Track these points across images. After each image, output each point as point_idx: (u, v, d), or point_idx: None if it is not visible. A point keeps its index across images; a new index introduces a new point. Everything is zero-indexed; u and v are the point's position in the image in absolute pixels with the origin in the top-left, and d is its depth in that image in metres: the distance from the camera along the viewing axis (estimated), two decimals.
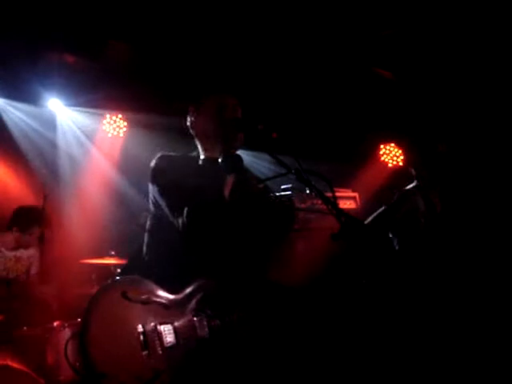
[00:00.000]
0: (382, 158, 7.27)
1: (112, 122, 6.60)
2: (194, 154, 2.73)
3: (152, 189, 2.57)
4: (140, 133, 6.45)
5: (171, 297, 2.33)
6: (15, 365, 3.88)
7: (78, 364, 3.95)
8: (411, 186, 4.08)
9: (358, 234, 2.10)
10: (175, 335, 2.23)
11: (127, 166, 6.35)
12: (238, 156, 2.46)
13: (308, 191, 4.41)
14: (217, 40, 5.19)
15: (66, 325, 4.21)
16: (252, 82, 5.50)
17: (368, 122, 6.56)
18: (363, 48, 5.34)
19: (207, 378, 2.23)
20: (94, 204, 6.27)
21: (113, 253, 4.89)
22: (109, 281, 2.43)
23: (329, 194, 2.26)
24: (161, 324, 2.21)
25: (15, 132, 6.22)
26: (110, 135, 6.60)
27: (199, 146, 2.73)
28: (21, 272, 5.01)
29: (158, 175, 2.54)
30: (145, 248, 2.62)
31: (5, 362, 3.90)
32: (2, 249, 4.94)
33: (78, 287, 4.89)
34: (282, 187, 4.21)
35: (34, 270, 5.11)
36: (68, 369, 4.01)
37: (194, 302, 2.33)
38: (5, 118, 6.22)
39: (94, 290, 4.66)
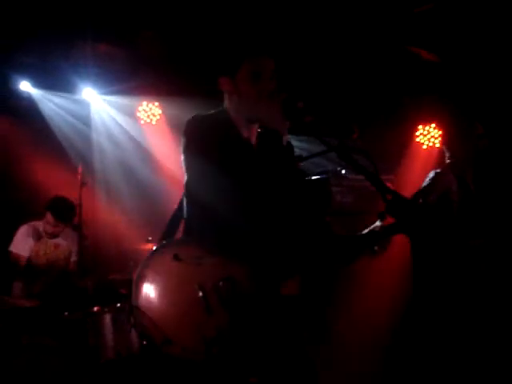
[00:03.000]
0: (418, 139, 7.14)
1: (148, 109, 6.63)
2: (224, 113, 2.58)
3: (184, 155, 2.45)
4: (173, 120, 6.47)
5: (225, 254, 2.25)
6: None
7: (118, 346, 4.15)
8: (444, 166, 4.02)
9: (404, 212, 2.04)
10: (234, 291, 2.15)
11: (161, 153, 6.40)
12: (276, 131, 2.34)
13: (344, 172, 4.38)
14: (247, 16, 5.14)
15: (106, 309, 4.28)
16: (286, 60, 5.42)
17: (407, 101, 6.46)
18: (398, 26, 5.24)
19: (269, 333, 2.20)
20: (130, 190, 6.38)
21: (150, 238, 4.93)
22: (160, 244, 2.37)
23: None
24: (218, 281, 2.14)
25: (51, 122, 6.31)
26: (142, 122, 6.65)
27: (233, 114, 2.55)
28: (60, 259, 5.13)
29: (192, 142, 2.41)
30: (185, 213, 2.52)
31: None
32: (44, 236, 5.06)
33: (117, 274, 4.95)
34: (317, 171, 4.19)
35: (73, 258, 5.23)
36: (108, 350, 4.11)
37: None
38: (41, 108, 6.31)
39: (133, 276, 4.77)
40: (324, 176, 4.36)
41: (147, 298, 2.09)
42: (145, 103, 6.63)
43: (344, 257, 2.52)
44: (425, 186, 3.90)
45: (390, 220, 2.29)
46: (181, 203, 2.59)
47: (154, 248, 2.26)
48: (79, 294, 4.88)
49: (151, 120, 6.64)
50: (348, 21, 5.21)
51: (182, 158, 2.44)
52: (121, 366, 4.11)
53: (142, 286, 2.11)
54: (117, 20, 5.39)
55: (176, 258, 2.15)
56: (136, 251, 4.99)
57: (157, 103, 6.64)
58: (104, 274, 5.05)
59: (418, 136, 7.16)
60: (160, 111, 6.64)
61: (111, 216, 6.33)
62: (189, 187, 2.44)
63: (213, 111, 2.53)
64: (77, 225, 5.10)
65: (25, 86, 6.16)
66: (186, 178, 2.45)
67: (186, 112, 6.02)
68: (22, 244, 4.97)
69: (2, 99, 6.09)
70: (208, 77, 5.65)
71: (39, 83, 6.20)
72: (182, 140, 2.43)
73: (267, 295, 2.23)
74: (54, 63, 5.85)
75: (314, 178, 4.15)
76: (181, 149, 2.44)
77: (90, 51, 5.86)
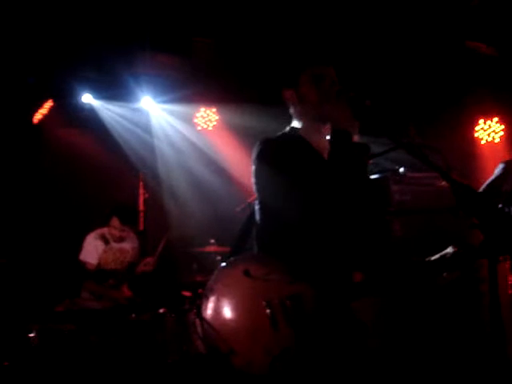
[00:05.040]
0: (477, 134, 6.99)
1: (205, 115, 6.77)
2: (291, 131, 2.64)
3: (257, 175, 2.47)
4: (230, 125, 6.58)
5: (294, 271, 2.26)
6: None
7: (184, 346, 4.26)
8: None
9: (478, 208, 2.00)
10: (301, 310, 2.16)
11: (220, 157, 6.52)
12: (346, 131, 2.32)
13: (402, 170, 4.34)
14: (305, 20, 5.15)
15: (172, 311, 4.39)
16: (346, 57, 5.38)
17: (467, 96, 6.33)
18: (456, 21, 5.14)
19: (334, 355, 2.20)
20: (192, 194, 6.50)
21: (212, 241, 5.03)
22: (230, 259, 2.43)
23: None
24: (285, 299, 2.16)
25: (114, 131, 6.52)
26: (199, 128, 6.79)
27: (302, 126, 2.60)
28: (126, 263, 5.25)
29: (264, 161, 2.43)
30: (258, 230, 2.56)
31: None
32: (111, 241, 5.20)
33: (181, 276, 5.07)
34: (375, 170, 4.16)
35: (138, 262, 5.31)
36: (175, 350, 4.22)
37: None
38: (103, 118, 6.53)
39: (197, 279, 4.90)
40: (383, 175, 4.34)
41: (216, 311, 2.14)
42: (202, 109, 6.77)
43: (414, 283, 2.49)
44: (497, 177, 3.83)
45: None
46: (248, 219, 2.65)
47: (225, 262, 2.33)
48: (145, 296, 5.05)
49: (208, 126, 6.77)
50: (406, 17, 5.15)
51: (254, 180, 2.48)
52: (188, 366, 4.21)
53: (211, 298, 2.17)
54: (173, 29, 5.52)
55: (246, 273, 2.19)
56: (199, 254, 5.11)
57: (214, 109, 6.76)
58: (168, 276, 5.18)
59: (477, 131, 7.02)
60: (217, 117, 6.76)
61: (174, 219, 6.51)
62: (263, 207, 2.49)
63: (280, 133, 2.58)
64: (140, 230, 5.26)
65: (86, 98, 6.42)
66: (259, 198, 2.50)
67: (242, 117, 6.20)
68: (91, 252, 5.11)
69: (69, 112, 6.35)
70: (263, 83, 5.76)
71: (100, 94, 6.44)
72: (254, 163, 2.46)
73: (334, 315, 2.23)
74: (114, 75, 6.05)
75: (372, 177, 4.13)
76: (253, 171, 2.48)
77: (148, 61, 6.03)
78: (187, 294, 5.07)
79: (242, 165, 6.21)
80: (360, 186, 2.40)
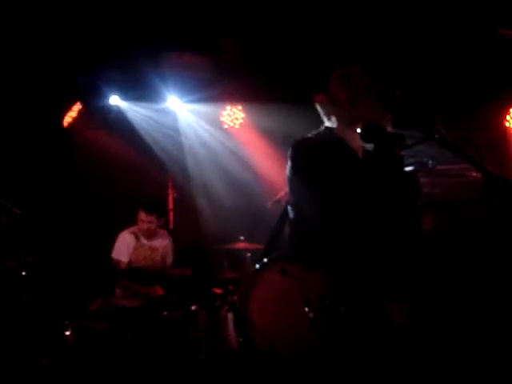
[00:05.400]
0: (508, 124, 6.87)
1: (231, 113, 6.80)
2: (327, 130, 2.62)
3: (293, 173, 2.47)
4: (256, 122, 6.60)
5: (330, 271, 2.27)
6: None
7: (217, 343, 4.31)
8: None
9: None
10: (338, 309, 2.17)
11: (248, 154, 6.55)
12: (377, 124, 2.31)
13: (431, 163, 4.29)
14: (333, 17, 5.12)
15: (203, 308, 4.44)
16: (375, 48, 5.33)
17: (500, 86, 6.22)
18: (487, 8, 5.05)
19: (368, 355, 2.20)
20: (222, 192, 6.53)
21: (242, 238, 5.04)
22: (267, 258, 2.46)
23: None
24: (324, 298, 2.17)
25: (141, 131, 6.60)
26: (226, 126, 6.82)
27: (336, 126, 2.58)
28: (157, 261, 5.32)
29: (300, 160, 2.44)
30: (292, 230, 2.56)
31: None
32: (142, 238, 5.27)
33: (211, 273, 5.10)
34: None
35: (169, 260, 5.43)
36: (207, 347, 4.27)
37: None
38: (130, 118, 6.61)
39: (227, 275, 4.93)
40: (412, 168, 4.30)
41: (255, 310, 2.20)
42: (228, 108, 6.80)
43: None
44: None
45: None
46: (281, 218, 2.65)
47: (262, 261, 2.37)
48: (176, 294, 5.11)
49: (235, 124, 6.81)
50: (436, 6, 5.08)
51: (290, 178, 2.48)
52: (221, 362, 4.25)
53: (250, 297, 2.23)
54: (199, 29, 5.55)
55: (284, 272, 2.22)
56: (229, 251, 5.13)
57: (240, 107, 6.80)
58: (199, 273, 5.23)
59: (508, 121, 6.89)
60: (243, 115, 6.80)
61: (204, 217, 6.56)
62: (298, 206, 2.48)
63: (315, 132, 2.57)
64: (170, 228, 5.33)
65: (114, 100, 6.52)
66: (293, 198, 2.50)
67: (268, 115, 6.22)
68: (122, 250, 5.20)
69: (97, 114, 6.45)
70: (288, 81, 5.75)
71: (126, 96, 6.53)
72: (289, 163, 2.46)
73: (371, 316, 2.23)
74: (140, 76, 6.11)
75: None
76: (287, 172, 2.48)
77: (175, 61, 6.08)
78: (218, 290, 5.11)
79: (269, 162, 6.23)
80: (395, 184, 2.38)
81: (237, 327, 4.40)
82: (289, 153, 2.49)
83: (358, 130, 2.32)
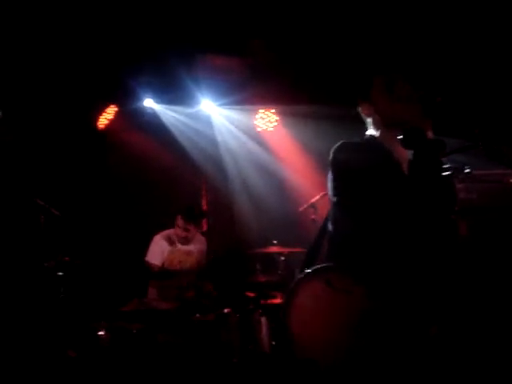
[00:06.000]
0: None
1: (265, 116, 6.79)
2: (369, 138, 2.61)
3: (333, 178, 2.48)
4: (291, 125, 6.60)
5: (373, 285, 2.26)
6: None
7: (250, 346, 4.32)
8: None
9: None
10: (382, 324, 2.16)
11: (281, 158, 6.55)
12: (418, 129, 2.31)
13: (468, 170, 4.22)
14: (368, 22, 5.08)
15: (236, 311, 4.46)
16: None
17: None
18: None
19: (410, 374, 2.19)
20: (256, 195, 6.55)
21: (275, 242, 5.05)
22: (312, 268, 2.49)
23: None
24: (367, 312, 2.17)
25: (175, 133, 6.63)
26: (259, 129, 6.83)
27: (379, 134, 2.57)
28: (192, 265, 5.33)
29: (339, 167, 2.44)
30: (333, 239, 2.55)
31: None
32: (177, 242, 5.29)
33: (244, 277, 5.12)
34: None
35: (203, 263, 5.43)
36: (240, 350, 4.29)
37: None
38: (164, 120, 6.67)
39: (260, 279, 4.94)
40: (447, 173, 4.23)
41: (296, 318, 2.20)
42: (261, 111, 6.80)
43: None
44: None
45: None
46: (322, 227, 2.66)
47: (306, 272, 2.36)
48: (209, 296, 5.13)
49: (268, 127, 6.80)
50: (482, 13, 4.99)
51: (330, 184, 2.48)
52: (253, 365, 4.26)
53: (292, 305, 2.23)
54: (232, 31, 5.57)
55: (328, 283, 2.22)
56: (262, 254, 5.14)
57: (273, 110, 6.78)
58: (232, 276, 5.25)
59: None
60: (277, 118, 6.78)
61: (238, 220, 6.59)
62: (337, 213, 2.49)
63: (361, 139, 2.58)
64: (203, 230, 5.36)
65: (148, 103, 6.58)
66: (334, 203, 2.50)
67: (303, 118, 6.21)
68: (156, 253, 5.23)
69: (132, 117, 6.54)
70: (323, 84, 5.70)
71: (160, 99, 6.58)
72: (331, 167, 2.47)
73: (412, 333, 2.21)
74: (174, 79, 6.15)
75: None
76: (329, 175, 2.48)
77: (208, 64, 6.11)
78: (251, 294, 5.13)
79: (302, 165, 6.23)
80: (433, 189, 2.36)
81: (270, 331, 4.42)
82: (331, 155, 2.49)
83: (399, 136, 2.30)
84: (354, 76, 2.65)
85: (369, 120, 2.59)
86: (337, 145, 2.49)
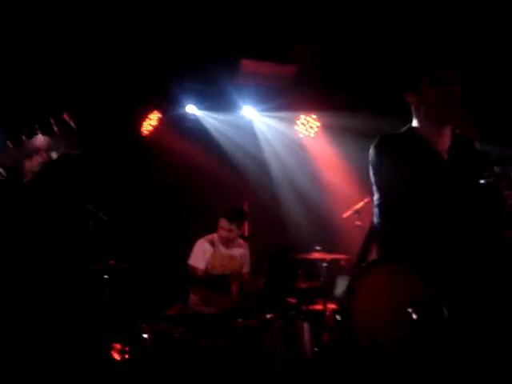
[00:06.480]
0: None
1: (306, 122, 6.80)
2: (409, 130, 2.63)
3: (375, 173, 2.53)
4: (332, 131, 6.59)
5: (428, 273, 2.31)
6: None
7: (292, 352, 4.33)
8: None
9: None
10: (440, 310, 2.23)
11: (324, 163, 6.54)
12: (468, 138, 2.35)
13: None
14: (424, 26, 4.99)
15: (279, 317, 4.47)
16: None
17: None
18: None
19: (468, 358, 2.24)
20: (298, 200, 6.55)
21: (318, 248, 5.03)
22: (371, 260, 2.59)
23: None
24: (426, 299, 2.23)
25: (218, 139, 6.71)
26: (301, 135, 6.84)
27: (421, 127, 2.59)
28: (234, 270, 5.34)
29: (382, 159, 2.49)
30: (381, 232, 2.58)
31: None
32: (220, 246, 5.32)
33: (286, 282, 5.13)
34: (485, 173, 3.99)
35: (245, 269, 5.45)
36: (282, 355, 4.30)
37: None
38: (206, 126, 6.74)
39: (301, 285, 4.94)
40: (493, 179, 4.16)
41: (359, 307, 2.29)
42: (302, 116, 6.81)
43: None
44: None
45: None
46: (371, 227, 2.71)
47: (364, 266, 2.46)
48: (252, 301, 5.16)
49: (310, 132, 6.81)
50: None
51: (373, 178, 2.54)
52: (295, 370, 4.27)
53: (355, 299, 2.31)
54: (273, 38, 5.59)
55: (390, 273, 2.29)
56: (304, 260, 5.13)
57: (314, 116, 6.79)
58: (273, 282, 5.25)
59: None
60: (318, 123, 6.78)
61: (280, 225, 6.60)
62: (382, 206, 2.53)
63: (400, 131, 2.60)
64: (246, 235, 5.39)
65: (190, 109, 6.68)
66: (377, 197, 2.54)
67: (345, 123, 6.18)
68: (199, 257, 5.25)
69: (174, 123, 6.63)
70: (365, 89, 5.63)
71: (202, 105, 6.66)
72: (372, 161, 2.52)
73: (471, 319, 2.26)
74: (216, 85, 6.23)
75: (481, 181, 3.98)
76: (371, 170, 2.53)
77: (250, 71, 6.15)
78: (292, 300, 5.13)
79: (345, 171, 6.20)
80: (476, 192, 2.37)
81: (312, 337, 4.42)
82: (371, 151, 2.54)
83: (447, 140, 2.33)
84: (403, 66, 2.64)
85: (414, 111, 2.60)
86: (376, 139, 2.54)
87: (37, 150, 1.51)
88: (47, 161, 1.53)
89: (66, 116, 1.54)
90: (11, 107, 5.14)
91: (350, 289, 2.34)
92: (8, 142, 1.49)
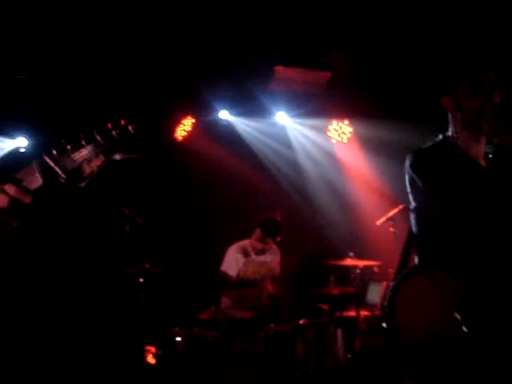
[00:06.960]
0: None
1: (338, 128, 6.81)
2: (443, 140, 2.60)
3: (412, 184, 2.52)
4: (365, 137, 6.58)
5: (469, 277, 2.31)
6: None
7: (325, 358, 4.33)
8: None
9: None
10: (483, 314, 2.23)
11: (357, 169, 6.55)
12: (510, 148, 2.31)
13: None
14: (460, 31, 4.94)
15: (312, 323, 4.47)
16: None
17: None
18: None
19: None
20: (331, 206, 6.57)
21: (352, 254, 5.02)
22: (410, 267, 2.62)
23: None
24: (469, 303, 2.24)
25: (251, 145, 6.76)
26: (334, 141, 6.85)
27: (458, 134, 2.54)
28: (266, 275, 5.36)
29: (419, 171, 2.48)
30: (420, 240, 2.60)
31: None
32: (252, 253, 5.35)
33: (318, 288, 5.12)
34: None
35: (276, 272, 5.45)
36: (315, 361, 4.29)
37: None
38: (239, 132, 6.79)
39: (333, 292, 4.92)
40: None
41: (402, 312, 2.29)
42: (335, 122, 6.81)
43: None
44: None
45: None
46: (409, 236, 2.71)
47: (405, 271, 2.46)
48: (282, 306, 5.17)
49: (342, 138, 6.81)
50: None
51: (409, 189, 2.54)
52: (328, 377, 4.26)
53: (397, 304, 2.31)
54: (308, 44, 5.59)
55: (431, 278, 2.30)
56: (337, 266, 5.12)
57: (346, 121, 6.79)
58: (305, 288, 5.26)
59: None
60: (351, 129, 6.78)
61: (313, 231, 6.61)
62: (420, 215, 2.55)
63: (433, 142, 2.57)
64: (278, 241, 5.40)
65: (223, 115, 6.73)
66: (415, 207, 2.55)
67: (377, 130, 6.16)
68: (231, 264, 5.29)
69: (208, 128, 6.69)
70: (398, 96, 5.57)
71: (235, 111, 6.71)
72: (409, 172, 2.51)
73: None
74: (249, 91, 6.25)
75: None
76: (407, 181, 2.53)
77: (283, 77, 6.16)
78: (325, 306, 5.12)
79: (377, 177, 6.18)
80: None
81: (346, 344, 4.41)
82: (408, 162, 2.52)
83: (486, 149, 2.33)
84: (441, 69, 2.61)
85: (450, 116, 2.56)
86: (413, 152, 2.52)
87: (96, 154, 1.56)
88: (105, 164, 1.57)
89: (123, 121, 1.58)
90: (70, 111, 5.29)
91: (391, 295, 2.34)
92: (68, 146, 1.53)
